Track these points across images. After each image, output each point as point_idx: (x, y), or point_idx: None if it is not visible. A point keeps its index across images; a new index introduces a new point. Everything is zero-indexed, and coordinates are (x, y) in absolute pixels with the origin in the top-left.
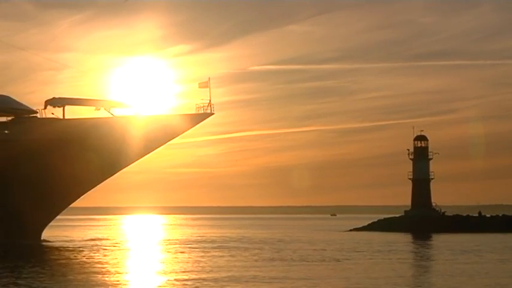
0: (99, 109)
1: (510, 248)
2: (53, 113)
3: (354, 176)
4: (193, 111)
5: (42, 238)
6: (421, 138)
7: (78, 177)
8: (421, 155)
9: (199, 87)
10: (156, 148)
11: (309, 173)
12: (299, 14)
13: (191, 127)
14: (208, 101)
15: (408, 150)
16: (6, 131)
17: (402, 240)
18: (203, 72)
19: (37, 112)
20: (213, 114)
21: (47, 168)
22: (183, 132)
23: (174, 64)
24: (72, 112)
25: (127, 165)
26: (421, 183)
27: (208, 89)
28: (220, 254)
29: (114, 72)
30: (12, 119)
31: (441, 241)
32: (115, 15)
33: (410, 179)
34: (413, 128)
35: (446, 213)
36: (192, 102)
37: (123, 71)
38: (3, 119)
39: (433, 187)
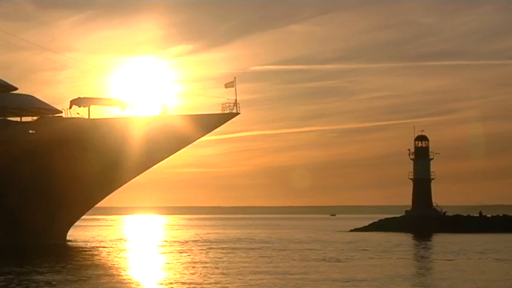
0: (124, 109)
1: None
2: (78, 113)
3: (355, 176)
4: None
5: (67, 238)
6: (421, 138)
7: (104, 177)
8: (422, 155)
9: (225, 87)
10: (183, 148)
11: (309, 173)
12: (300, 14)
13: (217, 127)
14: (234, 101)
15: (409, 150)
16: (31, 131)
17: (409, 240)
18: (204, 73)
19: (61, 112)
20: (238, 113)
21: (71, 168)
22: (209, 131)
23: (175, 64)
24: (97, 112)
25: (153, 165)
26: (421, 183)
27: (234, 88)
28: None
29: (115, 72)
30: (37, 119)
31: (442, 241)
32: (116, 16)
33: (411, 179)
34: (414, 128)
35: (447, 213)
36: (192, 103)
37: (124, 71)
38: (28, 118)
39: (433, 187)
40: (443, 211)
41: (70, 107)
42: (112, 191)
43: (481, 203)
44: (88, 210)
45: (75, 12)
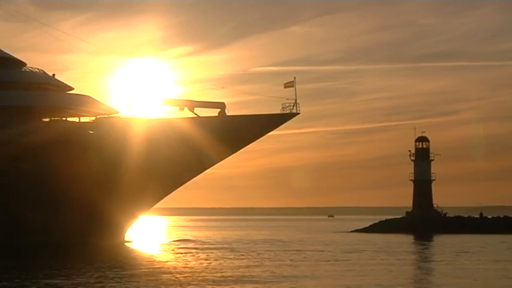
0: (182, 109)
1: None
2: (135, 113)
3: (355, 177)
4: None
5: (125, 238)
6: (422, 139)
7: (164, 177)
8: (422, 156)
9: (284, 87)
10: (241, 148)
11: (310, 174)
12: (300, 15)
13: (276, 127)
14: (294, 101)
15: (409, 151)
16: (91, 131)
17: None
18: (204, 74)
19: (118, 112)
20: (298, 114)
21: (132, 168)
22: (268, 132)
23: (175, 66)
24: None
25: (211, 166)
26: (422, 184)
27: (294, 88)
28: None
29: (116, 74)
30: (95, 119)
31: (443, 242)
32: (117, 17)
33: (411, 180)
34: (414, 129)
35: (447, 215)
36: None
37: (125, 73)
38: (87, 119)
39: (434, 188)
40: (443, 212)
41: (129, 107)
42: (169, 193)
43: (481, 204)
44: (147, 210)
45: (77, 13)
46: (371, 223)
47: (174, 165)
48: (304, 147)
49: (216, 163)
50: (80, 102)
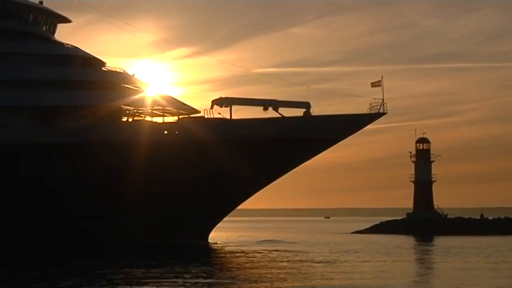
0: (267, 109)
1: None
2: (219, 113)
3: (356, 179)
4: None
5: (209, 240)
6: (423, 140)
7: (249, 178)
8: (423, 157)
9: (372, 86)
10: (326, 149)
11: (309, 175)
12: (301, 17)
13: (363, 127)
14: (381, 100)
15: (410, 152)
16: (176, 132)
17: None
18: (204, 76)
19: (199, 112)
20: (385, 113)
21: (217, 169)
22: (354, 132)
23: (174, 67)
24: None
25: (295, 167)
26: (423, 185)
27: (381, 87)
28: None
29: None
30: (179, 119)
31: (444, 243)
32: (116, 19)
33: (412, 181)
34: (415, 130)
35: (448, 216)
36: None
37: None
38: (169, 118)
39: (435, 189)
40: (444, 213)
41: (211, 107)
42: (254, 193)
43: (482, 205)
44: (229, 212)
45: (77, 15)
46: (369, 224)
47: (256, 166)
48: None
49: (299, 165)
50: (162, 102)
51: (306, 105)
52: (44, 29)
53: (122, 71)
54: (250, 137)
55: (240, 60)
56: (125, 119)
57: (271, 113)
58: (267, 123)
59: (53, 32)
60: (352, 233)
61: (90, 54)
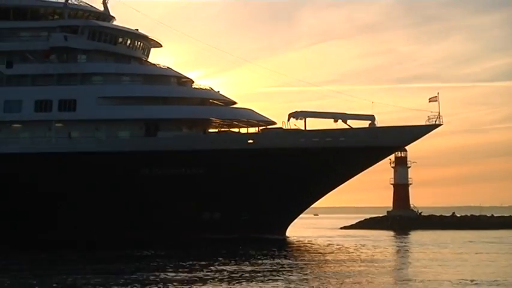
0: (336, 121)
1: (476, 242)
2: (295, 125)
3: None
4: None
5: (286, 234)
6: (401, 149)
7: (319, 183)
8: (401, 163)
9: (429, 101)
10: (385, 158)
11: None
12: (297, 44)
13: (420, 137)
14: (437, 113)
15: (390, 159)
16: (252, 141)
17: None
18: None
19: (275, 123)
20: (441, 124)
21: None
22: (413, 142)
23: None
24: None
25: (353, 176)
26: (401, 187)
27: (437, 102)
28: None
29: None
30: (260, 130)
31: (419, 237)
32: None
33: (392, 184)
34: None
35: (422, 214)
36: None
37: None
38: (252, 129)
39: (411, 191)
40: (419, 211)
41: (288, 120)
42: (321, 197)
43: (452, 205)
44: (305, 209)
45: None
46: (355, 221)
47: (327, 172)
48: None
49: (360, 172)
50: (244, 114)
51: (371, 117)
52: (141, 53)
53: (209, 88)
54: (324, 145)
55: (247, 81)
56: (213, 130)
57: (340, 125)
58: (340, 133)
59: (147, 55)
60: (341, 228)
61: (182, 74)
